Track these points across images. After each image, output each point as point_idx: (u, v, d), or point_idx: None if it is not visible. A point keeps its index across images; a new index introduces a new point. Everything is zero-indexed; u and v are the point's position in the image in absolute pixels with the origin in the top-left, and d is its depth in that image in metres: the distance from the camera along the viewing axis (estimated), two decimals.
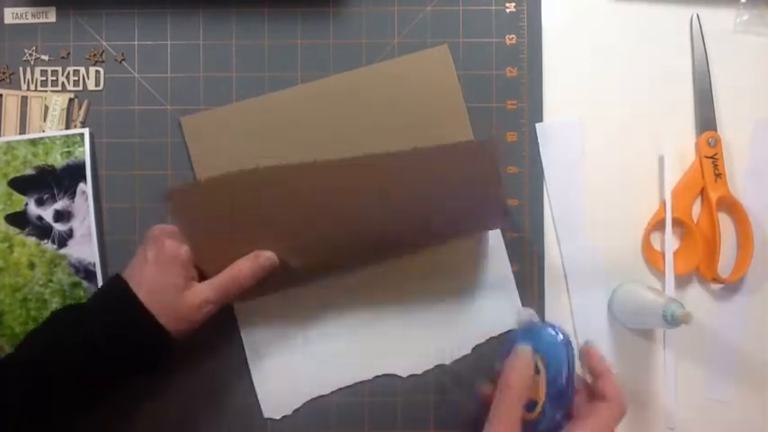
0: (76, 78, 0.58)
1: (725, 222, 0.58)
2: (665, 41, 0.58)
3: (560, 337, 0.48)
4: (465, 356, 0.57)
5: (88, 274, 0.56)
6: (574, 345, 0.49)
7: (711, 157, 0.57)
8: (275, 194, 0.50)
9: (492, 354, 0.57)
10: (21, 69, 0.58)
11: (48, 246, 0.56)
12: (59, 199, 0.56)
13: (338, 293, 0.57)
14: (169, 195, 0.49)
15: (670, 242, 0.57)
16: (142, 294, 0.47)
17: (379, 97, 0.57)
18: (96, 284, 0.56)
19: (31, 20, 0.58)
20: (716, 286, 0.58)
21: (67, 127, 0.57)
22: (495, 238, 0.58)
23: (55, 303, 0.56)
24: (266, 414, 0.57)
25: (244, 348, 0.57)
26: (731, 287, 0.58)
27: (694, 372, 0.58)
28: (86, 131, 0.57)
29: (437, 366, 0.57)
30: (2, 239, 0.56)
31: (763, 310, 0.58)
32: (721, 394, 0.58)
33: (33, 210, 0.56)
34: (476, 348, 0.57)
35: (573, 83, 0.58)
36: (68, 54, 0.58)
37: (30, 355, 0.47)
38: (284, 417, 0.57)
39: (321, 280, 0.57)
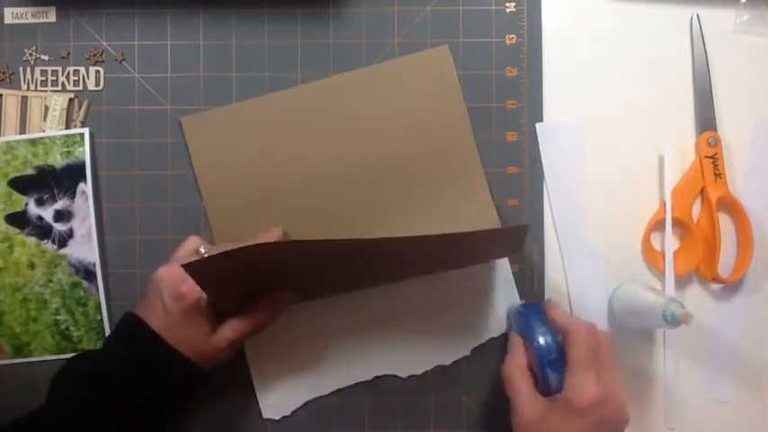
0: (76, 78, 0.58)
1: (725, 222, 0.58)
2: (665, 41, 0.58)
3: (521, 309, 0.53)
4: (465, 357, 0.57)
5: (88, 274, 0.56)
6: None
7: (711, 157, 0.57)
8: (299, 265, 0.49)
9: (492, 354, 0.57)
10: (21, 69, 0.58)
11: (48, 246, 0.56)
12: (59, 199, 0.56)
13: (339, 296, 0.57)
14: (190, 267, 0.43)
15: (670, 242, 0.57)
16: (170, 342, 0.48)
17: (379, 97, 0.57)
18: (96, 284, 0.56)
19: (31, 20, 0.58)
20: (716, 286, 0.58)
21: (67, 127, 0.57)
22: None
23: (55, 303, 0.56)
24: (265, 415, 0.57)
25: (243, 349, 0.57)
26: (731, 287, 0.58)
27: (694, 372, 0.58)
28: (86, 131, 0.57)
29: (437, 366, 0.57)
30: (2, 239, 0.56)
31: (763, 310, 0.58)
32: (721, 394, 0.58)
33: (33, 210, 0.56)
34: (476, 349, 0.57)
35: (573, 83, 0.58)
36: (68, 54, 0.58)
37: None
38: (283, 417, 0.57)
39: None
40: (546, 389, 0.49)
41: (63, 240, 0.56)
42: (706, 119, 0.58)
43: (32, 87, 0.58)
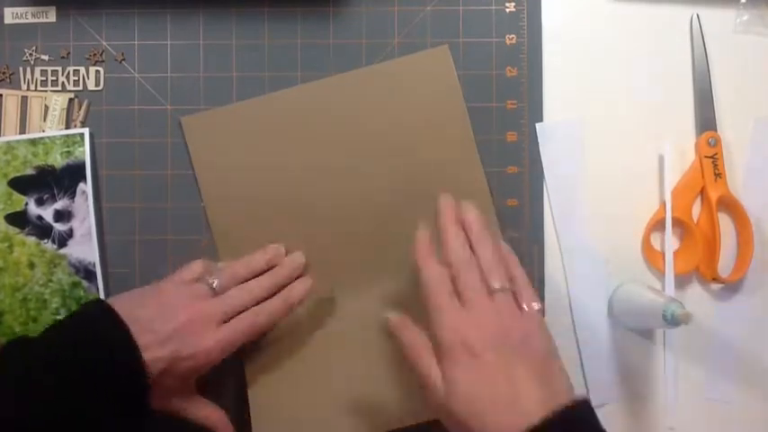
0: (76, 78, 0.58)
1: (725, 222, 0.58)
2: (665, 41, 0.58)
3: None
4: None
5: (88, 273, 0.56)
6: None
7: (711, 157, 0.57)
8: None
9: None
10: (21, 69, 0.58)
11: (48, 246, 0.56)
12: (59, 199, 0.56)
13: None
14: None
15: (670, 242, 0.57)
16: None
17: (379, 97, 0.57)
18: (96, 284, 0.56)
19: (31, 20, 0.58)
20: (716, 286, 0.58)
21: (67, 127, 0.57)
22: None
23: (55, 303, 0.56)
24: None
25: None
26: (731, 287, 0.58)
27: (694, 372, 0.58)
28: (86, 131, 0.57)
29: None
30: (2, 239, 0.56)
31: (763, 310, 0.58)
32: (721, 394, 0.58)
33: (33, 209, 0.56)
34: None
35: (573, 83, 0.58)
36: (68, 54, 0.58)
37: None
38: None
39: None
40: None
41: (63, 240, 0.56)
42: (706, 119, 0.58)
43: (32, 87, 0.58)
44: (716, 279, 0.57)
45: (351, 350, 0.56)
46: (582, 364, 0.57)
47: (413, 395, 0.54)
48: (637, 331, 0.58)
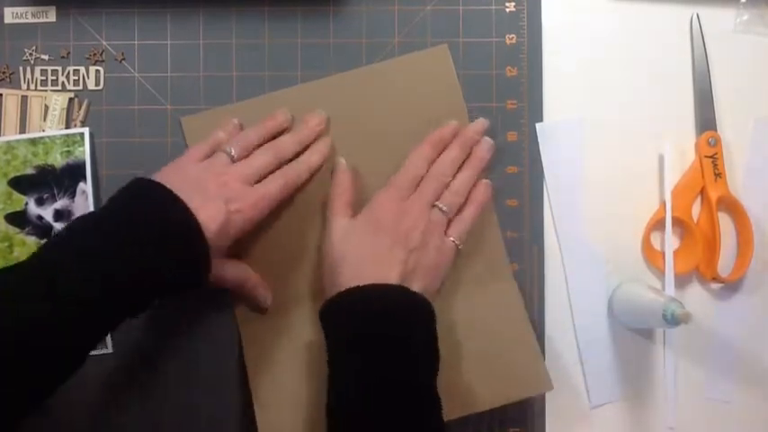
0: (76, 78, 0.58)
1: (725, 222, 0.58)
2: (665, 41, 0.58)
3: None
4: None
5: None
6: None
7: (711, 157, 0.57)
8: None
9: None
10: (21, 69, 0.58)
11: None
12: (59, 198, 0.56)
13: None
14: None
15: (670, 242, 0.57)
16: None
17: (379, 97, 0.57)
18: None
19: (31, 19, 0.58)
20: (716, 286, 0.58)
21: (67, 126, 0.57)
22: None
23: None
24: None
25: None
26: (731, 287, 0.58)
27: (694, 372, 0.58)
28: (86, 131, 0.57)
29: None
30: (2, 239, 0.56)
31: (763, 310, 0.58)
32: (721, 394, 0.58)
33: (33, 209, 0.56)
34: None
35: (573, 83, 0.58)
36: (68, 54, 0.58)
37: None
38: None
39: None
40: None
41: None
42: (706, 119, 0.58)
43: (32, 87, 0.58)
44: (716, 279, 0.57)
45: None
46: (582, 364, 0.57)
47: None
48: (637, 331, 0.58)
